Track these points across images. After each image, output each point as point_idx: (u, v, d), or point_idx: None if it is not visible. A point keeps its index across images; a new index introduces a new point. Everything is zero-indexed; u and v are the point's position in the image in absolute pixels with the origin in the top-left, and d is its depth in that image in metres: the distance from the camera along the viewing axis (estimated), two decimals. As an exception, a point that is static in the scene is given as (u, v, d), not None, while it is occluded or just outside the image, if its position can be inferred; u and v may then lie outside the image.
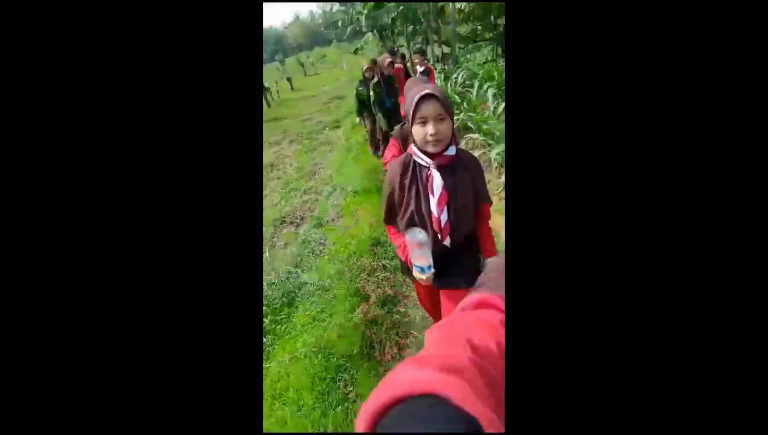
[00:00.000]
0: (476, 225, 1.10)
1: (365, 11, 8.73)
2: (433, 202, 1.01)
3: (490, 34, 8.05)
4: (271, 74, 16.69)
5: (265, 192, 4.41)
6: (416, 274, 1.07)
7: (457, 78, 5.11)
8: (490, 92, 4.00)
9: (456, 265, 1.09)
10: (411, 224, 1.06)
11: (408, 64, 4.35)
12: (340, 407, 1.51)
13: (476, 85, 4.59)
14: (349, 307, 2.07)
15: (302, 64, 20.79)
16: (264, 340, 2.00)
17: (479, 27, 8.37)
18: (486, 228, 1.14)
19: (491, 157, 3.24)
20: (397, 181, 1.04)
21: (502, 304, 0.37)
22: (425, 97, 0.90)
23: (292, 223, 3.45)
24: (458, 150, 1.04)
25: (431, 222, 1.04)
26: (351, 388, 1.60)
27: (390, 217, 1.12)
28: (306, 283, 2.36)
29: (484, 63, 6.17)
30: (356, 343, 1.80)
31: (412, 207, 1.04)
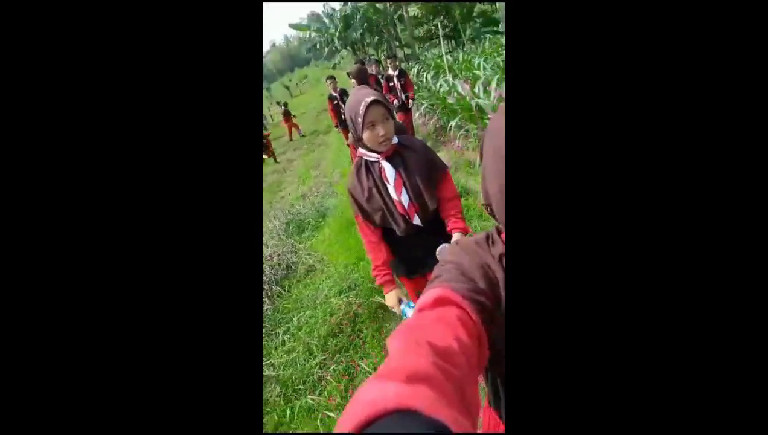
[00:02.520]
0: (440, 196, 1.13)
1: (337, 33, 10.32)
2: (391, 188, 1.08)
3: (443, 32, 9.53)
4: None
5: (284, 185, 5.84)
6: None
7: (415, 71, 6.57)
8: (447, 79, 5.24)
9: (430, 247, 1.08)
10: (383, 219, 1.11)
11: (381, 69, 5.28)
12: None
13: (431, 74, 6.03)
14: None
15: (287, 87, 22.42)
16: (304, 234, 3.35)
17: (432, 27, 9.86)
18: (449, 194, 1.15)
19: (452, 124, 4.49)
20: (357, 181, 1.11)
21: (457, 297, 0.37)
22: (372, 104, 0.97)
23: (309, 197, 4.85)
24: (400, 138, 1.11)
25: (395, 207, 1.10)
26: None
27: (364, 214, 1.14)
28: (329, 207, 3.80)
29: (438, 57, 7.62)
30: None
31: (378, 202, 1.10)
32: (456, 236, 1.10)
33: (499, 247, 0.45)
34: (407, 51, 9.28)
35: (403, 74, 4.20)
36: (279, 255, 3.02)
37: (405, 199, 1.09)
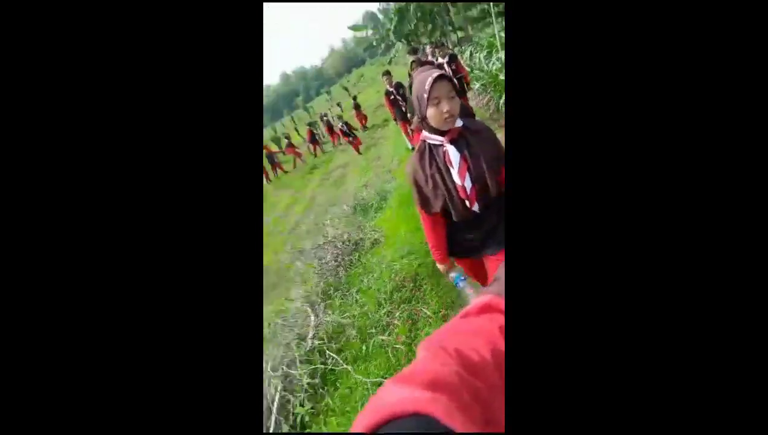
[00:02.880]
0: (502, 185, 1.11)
1: (393, 27, 10.60)
2: (455, 173, 1.06)
3: (496, 9, 9.22)
4: (322, 106, 19.51)
5: (347, 179, 6.32)
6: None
7: (468, 54, 6.55)
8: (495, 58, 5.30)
9: (490, 231, 1.13)
10: (444, 204, 1.10)
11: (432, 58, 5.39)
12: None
13: (483, 53, 5.98)
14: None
15: (347, 89, 23.36)
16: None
17: (485, 7, 9.59)
18: None
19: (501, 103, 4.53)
20: (419, 168, 1.10)
21: (504, 304, 0.35)
22: (437, 79, 0.97)
23: (371, 186, 5.21)
24: (465, 121, 1.08)
25: (457, 193, 1.08)
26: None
27: (424, 202, 1.14)
28: (389, 190, 4.11)
29: (491, 36, 7.46)
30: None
31: (440, 186, 1.08)
32: None
33: None
34: (460, 34, 9.18)
35: (453, 59, 4.20)
36: (348, 234, 3.41)
37: (468, 184, 1.06)
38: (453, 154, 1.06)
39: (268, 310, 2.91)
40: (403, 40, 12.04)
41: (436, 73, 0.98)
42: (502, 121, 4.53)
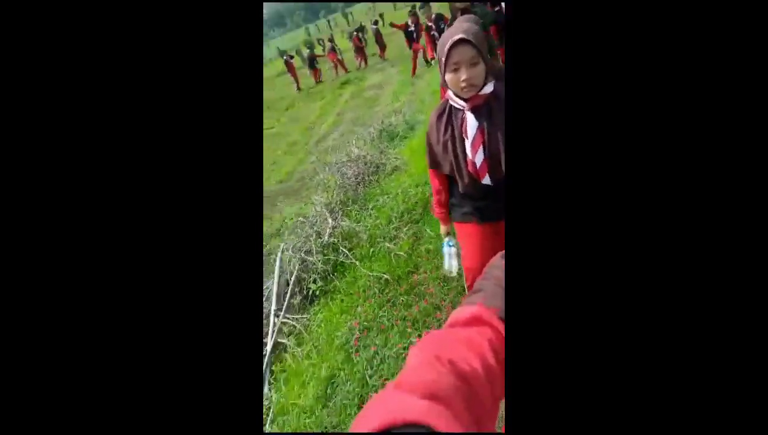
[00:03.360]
0: None
1: None
2: (468, 144, 1.00)
3: None
4: (362, 14, 18.05)
5: (380, 100, 6.27)
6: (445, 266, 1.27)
7: None
8: None
9: (494, 200, 1.08)
10: (451, 171, 1.06)
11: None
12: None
13: None
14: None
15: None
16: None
17: None
18: None
19: None
20: (435, 127, 1.05)
21: (493, 318, 0.35)
22: (457, 43, 0.89)
23: (401, 113, 5.21)
24: (497, 85, 0.99)
25: (467, 165, 1.03)
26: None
27: (434, 162, 1.11)
28: (419, 121, 4.19)
29: None
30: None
31: (449, 152, 1.03)
32: None
33: None
34: None
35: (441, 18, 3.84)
36: (371, 156, 3.61)
37: (479, 158, 1.00)
38: (471, 123, 0.99)
39: (290, 211, 3.28)
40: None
41: (458, 35, 0.90)
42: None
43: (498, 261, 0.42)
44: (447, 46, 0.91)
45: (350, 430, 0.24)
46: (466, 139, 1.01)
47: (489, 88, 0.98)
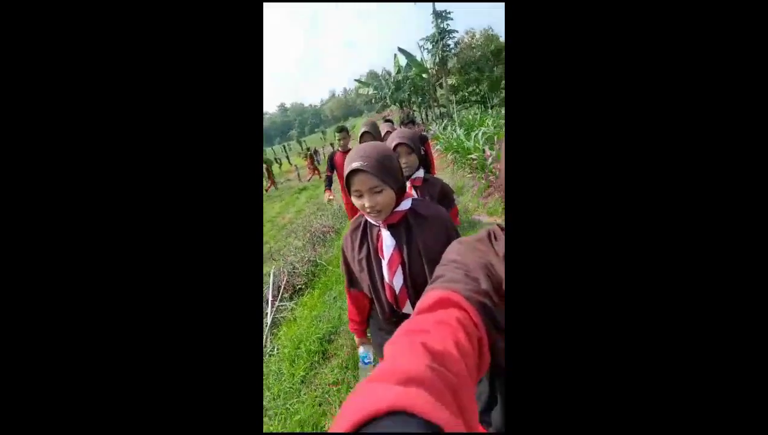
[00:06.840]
0: None
1: (390, 92, 13.41)
2: (384, 265, 0.89)
3: (474, 99, 12.26)
4: (315, 141, 21.92)
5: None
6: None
7: (452, 131, 7.91)
8: (482, 137, 5.30)
9: None
10: (370, 293, 0.95)
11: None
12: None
13: (464, 132, 7.70)
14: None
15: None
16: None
17: (466, 94, 12.52)
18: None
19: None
20: (349, 244, 0.95)
21: (459, 298, 0.36)
22: (354, 172, 0.80)
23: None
24: (414, 202, 0.91)
25: (384, 291, 0.92)
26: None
27: (351, 281, 1.00)
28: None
29: (472, 115, 9.72)
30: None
31: (366, 276, 0.92)
32: None
33: (502, 245, 0.44)
34: (443, 109, 11.88)
35: (423, 140, 3.64)
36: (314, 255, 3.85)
37: (398, 282, 0.90)
38: (387, 242, 0.89)
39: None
40: (397, 104, 14.67)
41: (356, 163, 0.80)
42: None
43: (454, 246, 0.46)
44: (345, 171, 0.82)
45: (331, 430, 0.24)
46: (382, 259, 0.91)
47: (406, 205, 0.89)
